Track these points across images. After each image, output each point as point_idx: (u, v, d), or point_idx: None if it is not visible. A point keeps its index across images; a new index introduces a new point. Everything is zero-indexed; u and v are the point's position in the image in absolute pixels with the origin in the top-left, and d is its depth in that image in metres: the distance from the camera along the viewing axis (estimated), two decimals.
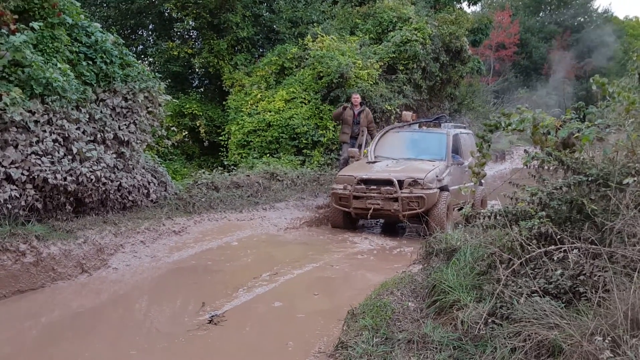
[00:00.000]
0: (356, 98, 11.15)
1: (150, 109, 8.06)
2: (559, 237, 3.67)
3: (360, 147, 10.47)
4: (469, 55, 17.25)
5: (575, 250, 3.46)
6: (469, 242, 5.06)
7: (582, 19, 41.19)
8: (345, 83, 13.09)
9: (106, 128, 7.24)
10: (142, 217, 7.45)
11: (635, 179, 3.34)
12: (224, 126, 14.75)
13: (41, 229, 6.06)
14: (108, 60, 7.47)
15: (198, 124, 15.68)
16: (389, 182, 8.46)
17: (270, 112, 13.41)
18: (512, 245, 3.93)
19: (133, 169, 7.68)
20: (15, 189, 6.01)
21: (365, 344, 3.69)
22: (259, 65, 15.02)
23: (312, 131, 12.97)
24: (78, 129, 6.83)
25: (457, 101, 20.04)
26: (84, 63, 7.18)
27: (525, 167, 4.62)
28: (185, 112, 15.41)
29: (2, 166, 5.92)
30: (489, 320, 3.48)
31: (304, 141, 13.00)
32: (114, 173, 7.22)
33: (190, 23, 16.56)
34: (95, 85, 7.29)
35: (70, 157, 6.64)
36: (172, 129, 10.24)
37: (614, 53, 36.38)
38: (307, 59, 13.93)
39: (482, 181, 9.13)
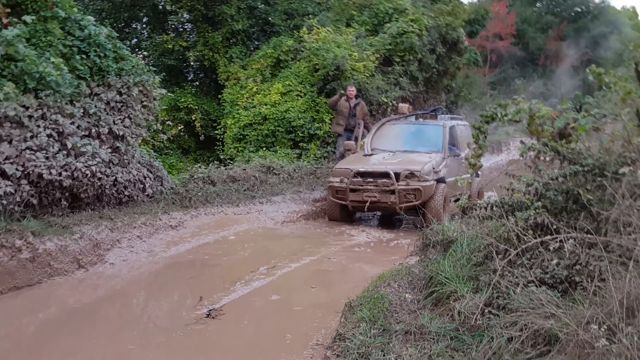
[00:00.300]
0: (352, 90, 11.13)
1: (145, 103, 8.02)
2: (554, 227, 3.67)
3: (356, 139, 10.46)
4: (466, 47, 17.22)
5: (571, 240, 3.47)
6: (466, 234, 5.07)
7: (579, 9, 41.09)
8: (342, 75, 13.04)
9: (101, 122, 7.20)
10: (138, 212, 7.43)
11: (631, 168, 3.34)
12: (219, 120, 14.69)
13: (37, 224, 6.04)
14: (102, 54, 7.43)
15: (194, 118, 15.62)
16: (385, 175, 8.45)
17: (266, 105, 13.36)
18: (508, 235, 3.94)
19: (128, 163, 7.65)
20: (10, 185, 5.99)
21: (363, 336, 3.70)
22: (255, 58, 14.95)
23: (308, 124, 12.93)
24: (72, 123, 6.80)
25: (453, 93, 20.02)
26: (78, 57, 7.13)
27: (521, 158, 4.62)
28: (181, 106, 15.34)
29: None
30: (486, 311, 3.49)
31: (300, 134, 12.96)
32: (110, 168, 7.19)
33: (185, 16, 16.46)
34: (89, 79, 7.26)
35: (65, 152, 6.61)
36: (167, 123, 10.21)
37: (611, 43, 36.35)
38: (302, 51, 13.87)
39: (479, 173, 9.14)
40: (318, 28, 14.00)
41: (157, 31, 17.69)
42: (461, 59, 17.25)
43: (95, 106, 7.18)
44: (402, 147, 9.45)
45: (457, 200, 5.16)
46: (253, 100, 13.71)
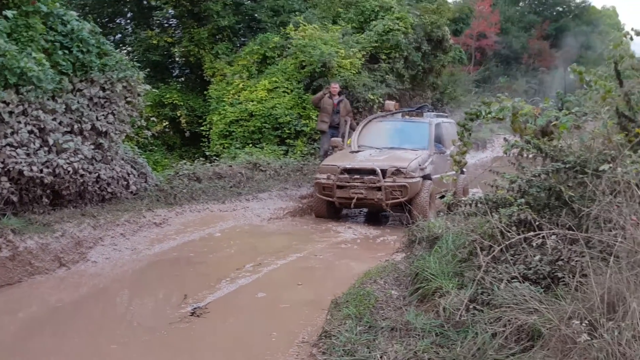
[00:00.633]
0: (335, 88, 11.12)
1: (129, 99, 7.94)
2: (537, 223, 3.71)
3: (343, 136, 10.47)
4: (451, 45, 17.27)
5: (553, 236, 3.51)
6: (451, 230, 5.10)
7: (560, 9, 41.47)
8: (328, 72, 13.03)
9: (83, 119, 7.12)
10: (121, 209, 7.37)
11: (611, 165, 3.37)
12: (205, 116, 14.61)
13: (17, 222, 5.97)
14: (85, 50, 7.34)
15: (179, 114, 15.52)
16: (372, 172, 8.46)
17: (252, 101, 13.30)
18: (492, 232, 3.97)
19: (112, 160, 7.58)
20: None
21: (349, 333, 3.70)
22: (241, 54, 14.88)
23: (295, 121, 12.91)
24: (54, 119, 6.72)
25: (439, 90, 20.07)
26: (60, 52, 7.04)
27: (505, 155, 4.66)
28: (166, 102, 15.23)
29: None
30: (470, 307, 3.52)
31: (286, 131, 12.93)
32: (92, 164, 7.12)
33: (170, 11, 16.34)
34: (71, 74, 7.16)
35: (46, 148, 6.53)
36: (152, 119, 10.08)
37: (591, 42, 36.76)
38: (289, 48, 13.83)
39: (464, 169, 9.19)
40: (304, 25, 13.98)
41: (141, 27, 17.53)
42: (446, 56, 17.30)
43: (78, 102, 7.10)
44: (388, 144, 9.48)
45: (443, 196, 5.19)
46: (239, 96, 13.65)
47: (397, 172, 8.39)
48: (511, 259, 3.68)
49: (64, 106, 6.88)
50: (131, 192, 7.98)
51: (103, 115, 7.46)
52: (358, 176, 8.52)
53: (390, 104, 10.81)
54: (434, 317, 3.76)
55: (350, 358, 3.40)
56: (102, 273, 6.09)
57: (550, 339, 2.77)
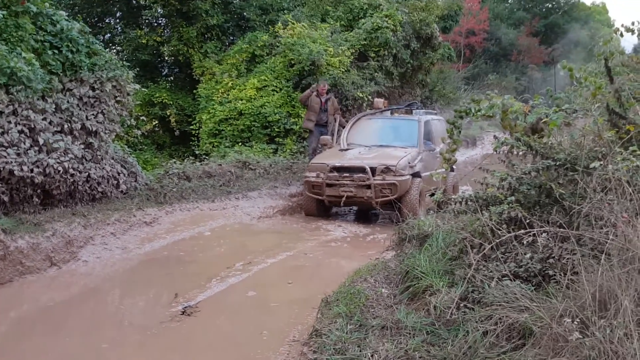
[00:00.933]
0: (323, 87, 11.09)
1: (118, 98, 7.90)
2: (528, 221, 3.72)
3: (332, 134, 10.46)
4: (440, 42, 17.31)
5: (544, 234, 3.52)
6: (441, 228, 5.12)
7: (549, 5, 41.68)
8: (317, 70, 13.02)
9: (73, 118, 7.08)
10: (112, 209, 7.33)
11: (602, 162, 3.40)
12: (194, 115, 14.55)
13: (8, 222, 5.92)
14: (74, 49, 7.29)
15: (168, 113, 15.44)
16: (361, 170, 8.47)
17: (241, 100, 13.27)
18: (482, 230, 3.98)
19: (102, 159, 7.54)
20: None
21: (339, 331, 3.71)
22: (230, 53, 14.83)
23: (284, 119, 12.89)
24: (44, 119, 6.67)
25: (428, 88, 20.12)
26: (50, 52, 6.99)
27: (495, 152, 4.67)
28: (155, 101, 15.15)
29: None
30: (461, 305, 3.53)
31: (276, 129, 12.91)
32: (82, 164, 7.08)
33: (159, 11, 16.23)
34: (61, 74, 7.12)
35: (36, 148, 6.48)
36: (141, 118, 10.02)
37: (581, 39, 36.99)
38: (278, 46, 13.81)
39: (454, 167, 9.23)
40: (293, 23, 13.95)
41: (130, 26, 17.41)
42: (435, 54, 17.35)
43: (68, 102, 7.05)
44: (377, 141, 9.49)
45: (433, 194, 5.20)
46: (228, 95, 13.61)
47: (387, 170, 8.40)
48: (502, 257, 3.69)
49: (54, 106, 6.84)
50: (121, 192, 7.94)
51: (93, 114, 7.42)
52: (347, 174, 8.53)
53: (380, 101, 10.82)
54: (424, 315, 3.77)
55: (341, 357, 3.41)
56: (92, 272, 6.06)
57: (542, 337, 2.79)
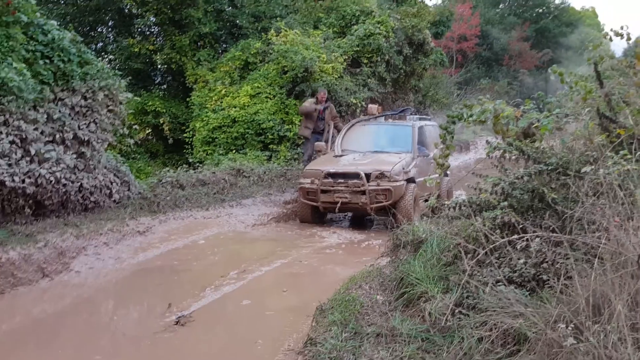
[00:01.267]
0: (323, 95, 11.06)
1: (110, 107, 7.89)
2: (521, 226, 3.72)
3: (327, 141, 10.45)
4: (432, 48, 17.39)
5: (537, 239, 3.51)
6: (435, 234, 5.10)
7: (540, 10, 41.93)
8: (310, 77, 13.05)
9: (65, 128, 7.06)
10: (104, 218, 7.29)
11: (593, 167, 3.40)
12: (188, 123, 14.54)
13: None
14: (66, 59, 7.28)
15: (162, 122, 15.41)
16: (356, 176, 8.46)
17: (235, 107, 13.27)
18: (476, 235, 3.98)
19: (94, 169, 7.51)
20: None
21: (334, 340, 3.69)
22: (223, 60, 14.84)
23: (278, 126, 12.89)
24: (36, 129, 6.65)
25: (421, 93, 20.20)
26: (41, 62, 6.98)
27: (488, 157, 4.68)
28: (148, 110, 15.13)
29: None
30: (456, 311, 3.52)
31: (270, 136, 12.91)
32: (75, 174, 7.05)
33: (151, 19, 16.23)
34: (53, 84, 7.11)
35: (28, 158, 6.46)
36: (134, 127, 10.01)
37: (571, 43, 37.22)
38: (271, 53, 13.83)
39: (448, 172, 9.23)
40: (286, 30, 13.98)
41: (123, 35, 17.40)
42: (428, 59, 17.42)
43: (60, 111, 7.04)
44: (372, 147, 9.49)
45: (427, 200, 5.20)
46: (222, 102, 13.61)
47: (381, 175, 8.39)
48: (496, 262, 3.69)
49: (45, 116, 6.82)
50: (114, 201, 7.91)
51: (85, 124, 7.41)
52: (342, 180, 8.52)
53: (373, 107, 10.83)
54: (419, 322, 3.76)
55: None
56: (85, 283, 6.01)
57: (537, 343, 2.78)
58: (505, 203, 3.97)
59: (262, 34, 14.88)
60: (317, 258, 7.05)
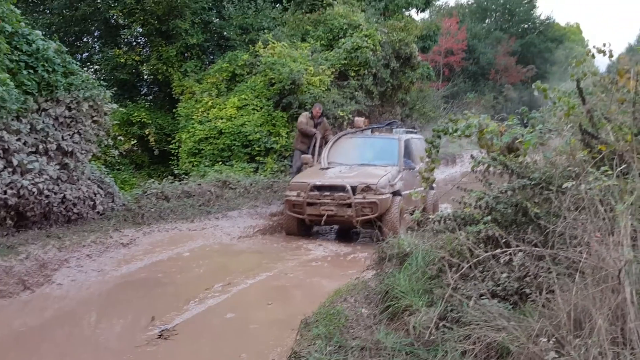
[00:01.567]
0: (318, 110, 11.01)
1: (95, 118, 7.85)
2: (504, 240, 3.74)
3: (313, 154, 10.44)
4: (419, 62, 17.53)
5: (520, 253, 3.53)
6: (420, 247, 5.10)
7: (525, 26, 42.55)
8: (298, 90, 13.08)
9: (49, 139, 7.01)
10: (88, 230, 7.23)
11: (575, 182, 3.43)
12: (174, 134, 14.49)
13: None
14: (50, 69, 7.25)
15: (147, 132, 15.35)
16: (342, 188, 8.47)
17: (221, 119, 13.26)
18: (460, 249, 3.99)
19: (78, 180, 7.46)
20: None
21: (319, 353, 3.66)
22: (210, 72, 14.84)
23: (264, 138, 12.89)
24: (19, 140, 6.60)
25: (408, 106, 20.32)
26: (25, 72, 6.95)
27: (472, 171, 4.71)
28: (134, 120, 15.06)
29: None
30: (440, 325, 3.51)
31: (256, 148, 12.89)
32: (58, 185, 7.00)
33: (138, 30, 16.22)
34: (36, 94, 7.06)
35: (10, 169, 6.40)
36: (119, 138, 9.99)
37: (556, 58, 37.75)
38: (258, 65, 13.86)
39: (434, 185, 9.27)
40: (273, 43, 14.03)
41: (109, 45, 17.36)
42: (415, 73, 17.55)
43: (43, 122, 6.99)
44: (358, 160, 9.51)
45: (413, 213, 5.21)
46: (208, 114, 13.59)
47: (367, 188, 8.41)
48: (480, 276, 3.70)
49: (28, 126, 6.77)
50: (98, 212, 7.85)
51: (69, 134, 7.36)
52: (328, 193, 8.52)
53: (360, 120, 10.87)
54: (404, 335, 3.74)
55: None
56: (67, 295, 5.93)
57: (519, 357, 2.79)
58: (489, 217, 3.99)
59: (250, 45, 14.91)
60: (303, 271, 7.03)
